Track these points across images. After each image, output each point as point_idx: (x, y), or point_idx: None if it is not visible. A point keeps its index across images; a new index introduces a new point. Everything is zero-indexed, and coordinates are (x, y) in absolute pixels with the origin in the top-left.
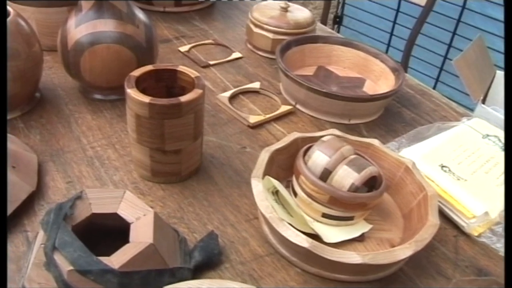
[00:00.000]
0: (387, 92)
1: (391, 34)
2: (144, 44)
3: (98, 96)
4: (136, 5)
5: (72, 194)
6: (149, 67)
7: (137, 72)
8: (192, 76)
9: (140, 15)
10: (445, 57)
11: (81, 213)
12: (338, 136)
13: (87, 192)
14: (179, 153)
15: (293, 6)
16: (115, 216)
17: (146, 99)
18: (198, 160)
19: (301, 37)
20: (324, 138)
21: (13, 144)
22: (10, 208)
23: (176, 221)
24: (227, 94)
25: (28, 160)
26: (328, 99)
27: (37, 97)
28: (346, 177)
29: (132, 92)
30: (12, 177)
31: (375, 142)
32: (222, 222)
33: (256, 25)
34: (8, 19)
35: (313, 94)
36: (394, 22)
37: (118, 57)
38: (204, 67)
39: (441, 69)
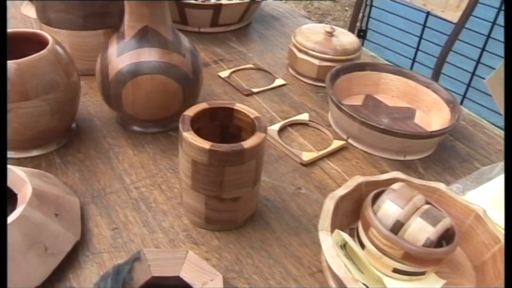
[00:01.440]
0: (446, 128)
1: (417, 49)
2: (190, 74)
3: (138, 129)
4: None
5: (119, 242)
6: (203, 105)
7: (191, 111)
8: (251, 116)
9: (186, 42)
10: (473, 74)
11: (140, 277)
12: (402, 180)
13: (146, 252)
14: (237, 201)
15: (338, 30)
16: (177, 279)
17: (206, 145)
18: (255, 205)
19: (349, 64)
20: (394, 186)
21: (54, 187)
22: (55, 262)
23: (235, 275)
24: (276, 127)
25: (71, 205)
26: (384, 135)
27: (73, 128)
28: (421, 230)
29: (189, 137)
30: (55, 227)
31: (441, 186)
32: (284, 276)
33: (300, 50)
34: (47, 48)
35: (368, 130)
36: (421, 37)
37: (163, 89)
38: (247, 95)
39: (468, 85)
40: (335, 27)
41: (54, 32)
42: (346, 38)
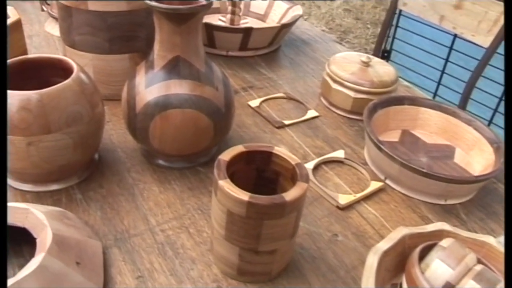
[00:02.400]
0: (491, 172)
1: (443, 72)
2: (222, 108)
3: (164, 163)
4: None
5: None
6: (240, 148)
7: (227, 156)
8: (292, 162)
9: (218, 73)
10: (501, 99)
11: None
12: (449, 232)
13: None
14: (273, 253)
15: (374, 60)
16: None
17: (244, 196)
18: (290, 256)
19: (387, 98)
20: (443, 243)
21: (76, 229)
22: None
23: None
24: (311, 165)
25: (93, 250)
26: (425, 179)
27: (96, 159)
28: None
29: (226, 186)
30: (76, 276)
31: (490, 240)
32: None
33: (335, 81)
34: (72, 77)
35: (408, 172)
36: (447, 60)
37: (193, 123)
38: (278, 127)
39: (495, 110)
40: (370, 56)
41: (78, 55)
42: (383, 69)
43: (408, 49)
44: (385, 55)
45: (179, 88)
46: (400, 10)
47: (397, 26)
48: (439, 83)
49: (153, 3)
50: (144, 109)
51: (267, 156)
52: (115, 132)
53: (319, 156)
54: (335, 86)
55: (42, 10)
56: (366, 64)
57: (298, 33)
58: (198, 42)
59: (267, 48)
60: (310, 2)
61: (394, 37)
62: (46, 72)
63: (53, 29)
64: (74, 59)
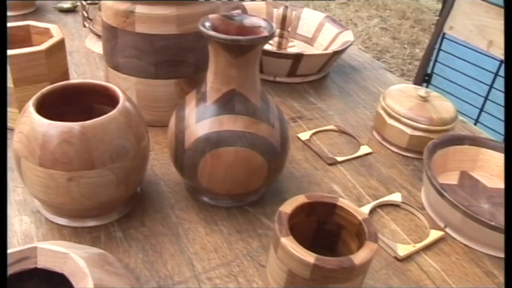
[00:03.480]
0: None
1: (486, 98)
2: (278, 147)
3: (210, 201)
4: None
5: None
6: (302, 199)
7: (288, 207)
8: (359, 217)
9: (275, 109)
10: None
11: None
12: None
13: None
14: None
15: (432, 94)
16: None
17: (310, 258)
18: None
19: (447, 137)
20: None
21: (118, 277)
22: None
23: None
24: (366, 209)
25: None
26: (490, 231)
27: (138, 192)
28: None
29: (288, 244)
30: None
31: None
32: None
33: (390, 116)
34: (118, 108)
35: (472, 222)
36: (491, 86)
37: (246, 163)
38: (330, 164)
39: None
40: (428, 90)
41: (121, 78)
42: (441, 105)
43: (449, 73)
44: (426, 78)
45: (233, 124)
46: (444, 33)
47: (439, 49)
48: (481, 110)
49: (211, 33)
50: (193, 145)
51: (330, 208)
52: (158, 163)
53: (374, 198)
54: (390, 121)
55: (84, 26)
56: (424, 99)
57: (347, 58)
58: (256, 75)
59: (315, 75)
60: (347, 19)
61: (436, 60)
62: (90, 98)
63: (94, 45)
64: (117, 82)
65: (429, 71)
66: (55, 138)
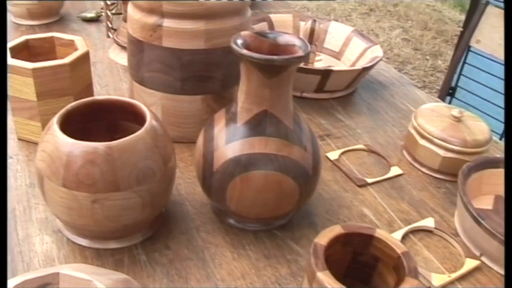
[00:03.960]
0: None
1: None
2: (310, 171)
3: (237, 224)
4: None
5: None
6: (338, 230)
7: (324, 239)
8: (398, 251)
9: (307, 131)
10: None
11: None
12: None
13: None
14: None
15: (465, 114)
16: None
17: None
18: None
19: (482, 160)
20: None
21: None
22: None
23: None
24: (398, 235)
25: None
26: None
27: (162, 213)
28: None
29: (325, 280)
30: None
31: None
32: None
33: (422, 136)
34: (145, 127)
35: None
36: None
37: (277, 187)
38: (360, 186)
39: None
40: (462, 110)
41: (146, 93)
42: (475, 125)
43: (473, 86)
44: (450, 92)
45: (265, 147)
46: (469, 46)
47: (464, 62)
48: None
49: (244, 52)
50: (222, 167)
51: (367, 239)
52: (183, 182)
53: (405, 223)
54: (422, 142)
55: (108, 36)
56: (457, 119)
57: (374, 73)
58: (289, 95)
59: (343, 91)
60: (368, 30)
61: (460, 74)
62: (115, 114)
63: (118, 56)
64: (142, 97)
65: (453, 84)
66: (79, 159)
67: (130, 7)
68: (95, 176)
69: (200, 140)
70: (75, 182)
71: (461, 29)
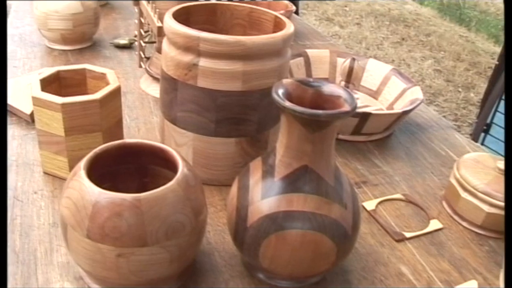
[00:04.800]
0: None
1: None
2: (349, 231)
3: (268, 280)
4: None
5: None
6: None
7: None
8: None
9: (348, 187)
10: None
11: None
12: None
13: None
14: None
15: None
16: None
17: None
18: None
19: None
20: None
21: None
22: None
23: None
24: None
25: None
26: None
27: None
28: None
29: None
30: None
31: None
32: None
33: (465, 189)
34: (176, 178)
35: None
36: None
37: (314, 247)
38: (398, 240)
39: None
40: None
41: (178, 133)
42: None
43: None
44: (485, 128)
45: (303, 204)
46: None
47: (501, 98)
48: None
49: (287, 104)
50: (257, 223)
51: None
52: (213, 229)
53: (446, 284)
54: (464, 195)
55: (140, 66)
56: (503, 172)
57: (412, 115)
58: (331, 150)
59: (380, 134)
60: (399, 59)
61: (496, 110)
62: (145, 158)
63: (149, 87)
64: (173, 136)
65: (488, 121)
66: (106, 210)
67: (165, 43)
68: (122, 230)
69: (234, 191)
70: (100, 234)
71: (496, 62)
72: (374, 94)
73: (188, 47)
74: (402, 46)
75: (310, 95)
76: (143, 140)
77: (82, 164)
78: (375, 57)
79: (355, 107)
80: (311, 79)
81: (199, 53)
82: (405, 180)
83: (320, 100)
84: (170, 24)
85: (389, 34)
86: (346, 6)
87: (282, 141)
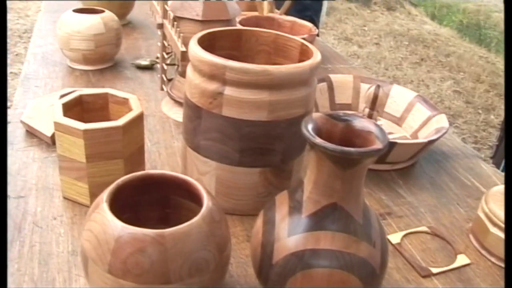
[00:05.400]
0: None
1: None
2: (377, 269)
3: None
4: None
5: None
6: None
7: None
8: None
9: (376, 224)
10: None
11: None
12: None
13: None
14: None
15: None
16: None
17: None
18: None
19: None
20: None
21: None
22: None
23: None
24: None
25: None
26: None
27: None
28: None
29: None
30: None
31: None
32: None
33: (494, 224)
34: (201, 213)
35: None
36: None
37: (341, 286)
38: (424, 276)
39: None
40: None
41: (200, 161)
42: None
43: None
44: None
45: (331, 242)
46: None
47: None
48: None
49: (318, 141)
50: (283, 261)
51: None
52: (235, 261)
53: None
54: (493, 230)
55: (162, 89)
56: None
57: (437, 142)
58: (361, 187)
59: (405, 162)
60: (418, 80)
61: None
62: (168, 188)
63: (170, 110)
64: (196, 164)
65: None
66: (128, 246)
67: (190, 69)
68: (144, 266)
69: (259, 225)
70: (122, 270)
71: None
72: (398, 121)
73: (214, 75)
74: (421, 66)
75: (340, 130)
76: (166, 172)
77: (104, 196)
78: (394, 78)
79: (387, 145)
80: (341, 113)
81: (225, 82)
82: (431, 211)
83: (351, 135)
84: (196, 51)
85: (408, 55)
86: (365, 26)
87: (311, 177)
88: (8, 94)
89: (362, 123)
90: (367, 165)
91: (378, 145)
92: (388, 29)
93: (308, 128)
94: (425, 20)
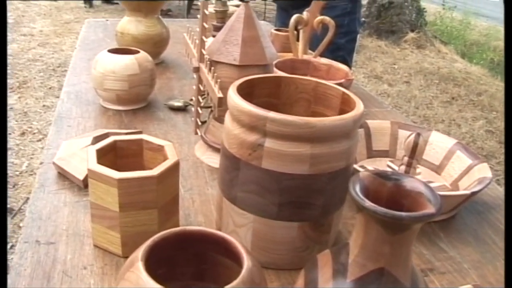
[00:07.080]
0: None
1: None
2: None
3: None
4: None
5: None
6: None
7: None
8: None
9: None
10: None
11: None
12: None
13: None
14: None
15: None
16: None
17: None
18: None
19: None
20: None
21: None
22: None
23: None
24: None
25: None
26: None
27: None
28: None
29: None
30: None
31: None
32: None
33: None
34: (241, 277)
35: None
36: None
37: None
38: None
39: None
40: None
41: (237, 213)
42: None
43: None
44: None
45: None
46: None
47: None
48: None
49: (367, 204)
50: None
51: None
52: None
53: None
54: None
55: (196, 133)
56: None
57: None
58: (410, 252)
59: (446, 214)
60: (449, 119)
61: None
62: (205, 245)
63: (204, 155)
64: (232, 216)
65: None
66: None
67: (228, 119)
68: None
69: (301, 285)
70: None
71: None
72: (437, 169)
73: (254, 126)
74: (452, 105)
75: (388, 189)
76: (203, 228)
77: (139, 254)
78: (425, 117)
79: (440, 208)
80: (389, 172)
81: (265, 133)
82: (475, 268)
83: (399, 195)
84: (236, 101)
85: (439, 93)
86: (394, 64)
87: (357, 241)
88: (40, 127)
89: (411, 183)
90: (417, 229)
91: (430, 209)
92: (418, 67)
93: (356, 190)
94: (455, 58)
